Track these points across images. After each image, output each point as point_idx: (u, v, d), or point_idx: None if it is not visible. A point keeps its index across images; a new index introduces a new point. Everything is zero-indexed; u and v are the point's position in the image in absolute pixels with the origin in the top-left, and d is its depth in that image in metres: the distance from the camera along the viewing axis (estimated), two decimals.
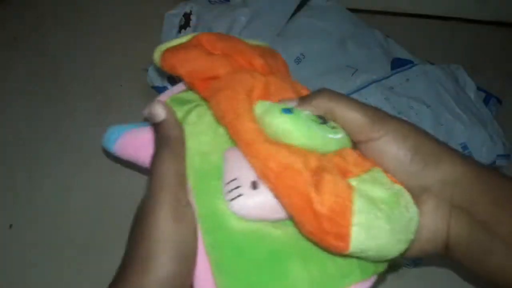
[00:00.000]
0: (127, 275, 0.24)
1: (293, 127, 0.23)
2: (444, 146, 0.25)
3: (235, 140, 0.24)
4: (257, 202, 0.23)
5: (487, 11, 0.74)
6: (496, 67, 0.68)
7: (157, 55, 0.29)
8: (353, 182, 0.22)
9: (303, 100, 0.25)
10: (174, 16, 0.61)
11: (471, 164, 0.25)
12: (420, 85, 0.53)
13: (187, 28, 0.60)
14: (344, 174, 0.23)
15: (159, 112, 0.27)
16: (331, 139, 0.24)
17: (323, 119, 0.24)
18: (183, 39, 0.29)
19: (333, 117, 0.25)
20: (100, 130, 0.66)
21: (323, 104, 0.25)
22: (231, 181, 0.23)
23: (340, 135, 0.24)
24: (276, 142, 0.23)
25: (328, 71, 0.53)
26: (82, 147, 0.58)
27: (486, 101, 0.58)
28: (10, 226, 0.51)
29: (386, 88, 0.52)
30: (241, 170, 0.23)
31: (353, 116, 0.25)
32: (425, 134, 0.26)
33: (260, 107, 0.24)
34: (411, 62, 0.56)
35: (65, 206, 0.53)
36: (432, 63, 0.58)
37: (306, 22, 0.58)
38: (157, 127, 0.27)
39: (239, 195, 0.23)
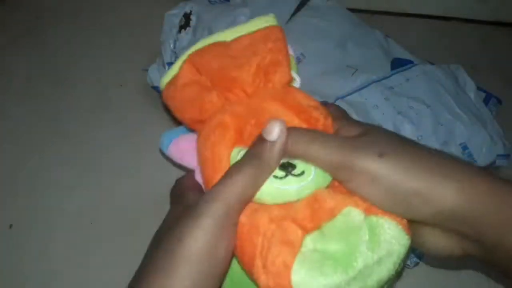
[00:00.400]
0: (150, 274, 0.22)
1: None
2: (435, 173, 0.22)
3: None
4: None
5: (487, 11, 0.74)
6: (496, 67, 0.68)
7: (162, 90, 0.30)
8: (309, 238, 0.23)
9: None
10: (174, 16, 0.61)
11: (464, 190, 0.22)
12: (420, 85, 0.53)
13: (187, 28, 0.60)
14: (303, 229, 0.23)
15: (274, 131, 0.24)
16: (298, 188, 0.24)
17: (287, 168, 0.25)
18: (174, 68, 0.29)
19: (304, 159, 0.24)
20: (100, 130, 0.66)
21: (291, 150, 0.24)
22: None
23: (306, 180, 0.24)
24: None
25: (328, 71, 0.53)
26: (82, 147, 0.58)
27: (486, 101, 0.58)
28: (10, 226, 0.51)
29: (386, 88, 0.52)
30: None
31: (316, 162, 0.24)
32: (410, 167, 0.23)
33: (232, 158, 0.26)
34: (411, 62, 0.56)
35: (65, 206, 0.53)
36: (432, 63, 0.58)
37: (306, 22, 0.58)
38: (260, 143, 0.24)
39: None
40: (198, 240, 0.22)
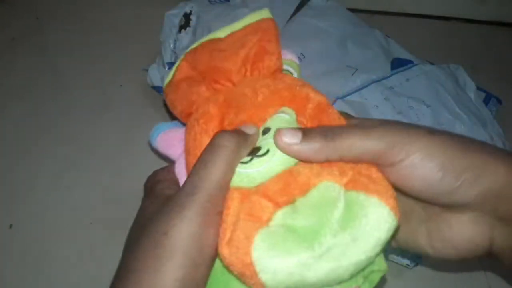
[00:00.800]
0: (138, 272, 0.22)
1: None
2: (484, 153, 0.22)
3: None
4: None
5: (487, 11, 0.74)
6: (496, 67, 0.68)
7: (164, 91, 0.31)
8: (280, 213, 0.22)
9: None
10: (174, 16, 0.61)
11: None
12: (420, 85, 0.53)
13: (187, 28, 0.60)
14: (275, 204, 0.23)
15: (252, 128, 0.25)
16: (264, 169, 0.24)
17: (252, 152, 0.25)
18: (174, 68, 0.30)
19: (342, 151, 0.23)
20: (100, 130, 0.66)
21: (334, 155, 0.23)
22: None
23: (271, 160, 0.24)
24: None
25: (328, 71, 0.53)
26: (82, 147, 0.58)
27: (486, 101, 0.58)
28: (10, 226, 0.51)
29: (386, 88, 0.52)
30: None
31: (365, 144, 0.23)
32: (460, 145, 0.22)
33: None
34: (411, 62, 0.56)
35: (65, 206, 0.53)
36: (432, 63, 0.58)
37: (306, 22, 0.58)
38: (237, 133, 0.25)
39: None
40: (185, 231, 0.21)
